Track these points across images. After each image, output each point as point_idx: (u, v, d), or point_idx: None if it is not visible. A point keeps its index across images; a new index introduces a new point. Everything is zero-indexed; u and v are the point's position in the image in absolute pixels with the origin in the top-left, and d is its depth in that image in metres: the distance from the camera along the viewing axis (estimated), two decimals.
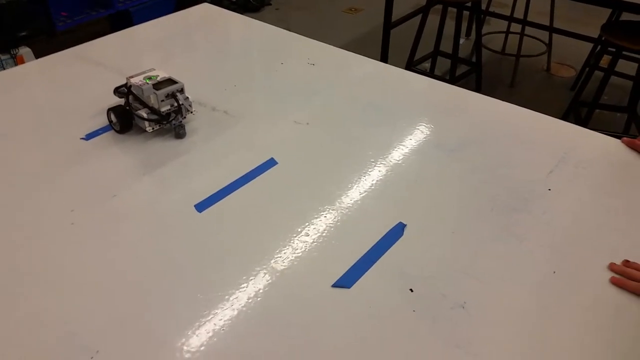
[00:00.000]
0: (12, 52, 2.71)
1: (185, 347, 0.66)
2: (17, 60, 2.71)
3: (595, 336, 0.69)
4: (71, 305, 0.72)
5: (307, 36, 1.50)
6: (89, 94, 1.19)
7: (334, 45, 1.44)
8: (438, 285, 0.75)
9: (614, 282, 0.75)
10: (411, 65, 2.77)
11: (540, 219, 0.86)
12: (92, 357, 0.64)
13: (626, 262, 0.78)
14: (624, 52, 2.23)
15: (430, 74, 2.84)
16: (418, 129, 1.10)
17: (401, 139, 1.06)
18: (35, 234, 0.83)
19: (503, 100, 1.19)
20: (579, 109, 2.52)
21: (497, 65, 3.32)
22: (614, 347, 0.67)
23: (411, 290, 0.74)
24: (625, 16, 2.47)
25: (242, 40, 1.55)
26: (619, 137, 1.06)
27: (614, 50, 2.24)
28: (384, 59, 2.85)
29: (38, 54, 2.70)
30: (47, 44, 2.74)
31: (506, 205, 0.89)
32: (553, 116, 1.13)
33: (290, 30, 1.54)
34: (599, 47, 2.63)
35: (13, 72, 1.39)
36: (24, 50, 2.75)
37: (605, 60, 2.47)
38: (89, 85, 1.24)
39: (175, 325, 0.69)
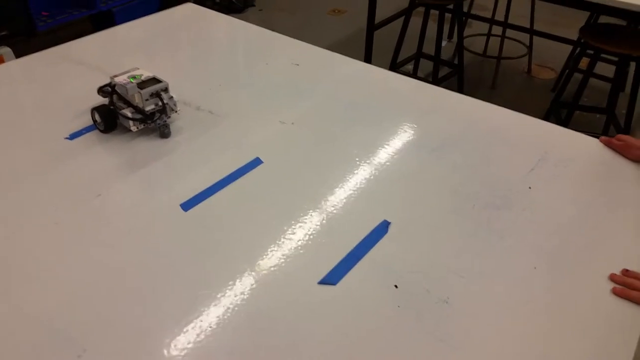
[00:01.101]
0: None
1: (172, 345, 0.66)
2: None
3: (575, 327, 0.70)
4: (56, 303, 0.71)
5: (290, 37, 1.50)
6: (72, 93, 1.19)
7: (315, 46, 1.45)
8: (422, 281, 0.76)
9: (616, 292, 0.75)
10: (394, 67, 2.79)
11: (521, 216, 0.88)
12: (79, 356, 0.64)
13: (625, 272, 0.78)
14: (602, 55, 2.28)
15: (413, 75, 2.86)
16: (401, 128, 1.11)
17: (385, 138, 1.07)
18: (19, 233, 0.82)
19: (484, 101, 1.21)
20: (560, 110, 2.56)
21: (478, 67, 3.36)
22: (593, 337, 0.69)
23: (396, 286, 0.75)
24: (603, 19, 2.52)
25: (227, 40, 1.56)
26: (597, 137, 1.09)
27: (592, 52, 2.29)
28: (367, 60, 2.87)
29: (18, 54, 2.66)
30: (27, 44, 2.70)
31: (487, 202, 0.91)
32: (534, 117, 1.16)
33: (274, 31, 1.55)
34: (578, 49, 2.68)
35: None
36: (4, 50, 2.71)
37: (584, 63, 2.52)
38: (71, 85, 1.23)
39: (163, 323, 0.69)
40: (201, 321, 0.69)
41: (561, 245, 0.83)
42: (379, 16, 2.82)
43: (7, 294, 0.72)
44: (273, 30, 1.55)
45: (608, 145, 1.05)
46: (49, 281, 0.74)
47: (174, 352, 0.65)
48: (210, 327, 0.69)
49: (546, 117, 2.54)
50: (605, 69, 2.69)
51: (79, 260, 0.78)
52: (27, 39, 2.82)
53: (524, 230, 0.85)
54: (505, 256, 0.81)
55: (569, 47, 2.96)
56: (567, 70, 2.77)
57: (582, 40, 2.38)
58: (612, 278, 0.77)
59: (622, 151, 1.03)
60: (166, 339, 0.67)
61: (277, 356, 0.65)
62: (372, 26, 2.82)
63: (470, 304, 0.73)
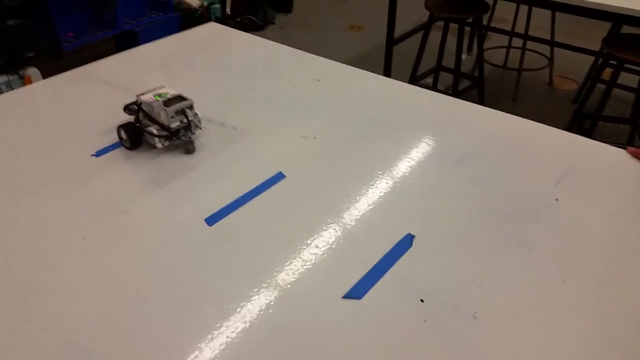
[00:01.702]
0: (19, 73, 2.74)
1: (196, 358, 0.66)
2: (25, 81, 2.75)
3: (608, 345, 0.69)
4: (83, 320, 0.72)
5: (311, 54, 1.52)
6: (98, 112, 1.21)
7: (336, 61, 1.46)
8: (448, 296, 0.75)
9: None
10: (414, 80, 2.80)
11: (548, 229, 0.87)
12: None
13: None
14: (626, 65, 2.25)
15: (433, 88, 2.86)
16: (423, 141, 1.11)
17: (407, 151, 1.07)
18: (47, 249, 0.84)
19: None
20: (582, 121, 2.53)
21: (499, 80, 3.34)
22: (623, 352, 0.67)
23: (422, 300, 0.74)
24: (626, 29, 2.49)
25: (249, 57, 1.58)
26: (623, 148, 1.07)
27: (615, 63, 2.26)
28: (387, 74, 2.88)
29: (45, 75, 2.73)
30: (54, 64, 2.78)
31: (513, 215, 0.89)
32: (553, 127, 1.14)
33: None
34: (601, 60, 2.65)
35: (21, 92, 1.41)
36: (32, 71, 2.79)
37: (607, 73, 2.49)
38: (97, 103, 1.26)
39: (187, 338, 0.69)
40: (224, 336, 0.69)
41: (590, 258, 0.81)
42: (398, 31, 2.84)
43: (35, 310, 0.74)
44: (293, 46, 1.57)
45: (635, 155, 1.03)
46: (76, 297, 0.75)
47: None
48: (235, 341, 0.69)
49: (569, 128, 2.51)
50: (629, 79, 2.66)
51: (105, 275, 0.79)
52: (53, 60, 2.90)
53: (552, 244, 0.84)
54: (533, 270, 0.79)
55: (590, 58, 2.93)
56: (589, 81, 2.74)
57: (604, 51, 2.35)
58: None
59: None
60: (189, 354, 0.67)
61: None
62: (392, 41, 2.83)
63: (499, 319, 0.72)
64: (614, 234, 0.86)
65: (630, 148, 1.05)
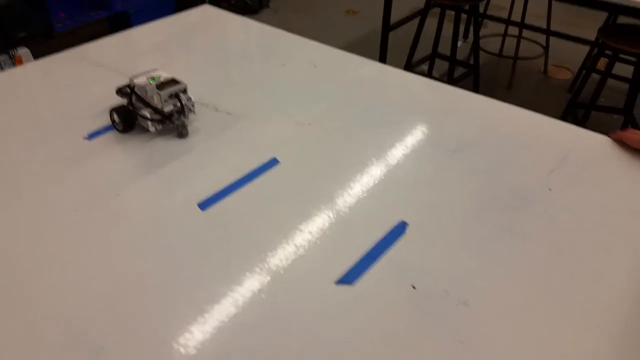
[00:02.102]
0: (10, 53, 2.71)
1: (189, 343, 0.66)
2: (16, 61, 2.72)
3: (595, 330, 0.69)
4: (74, 303, 0.72)
5: (305, 37, 1.51)
6: (90, 94, 1.20)
7: (332, 47, 1.45)
8: (441, 283, 0.75)
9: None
10: (409, 67, 2.78)
11: (542, 218, 0.87)
12: (97, 354, 0.65)
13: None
14: (621, 55, 2.25)
15: (429, 75, 2.85)
16: (418, 129, 1.10)
17: (401, 139, 1.07)
18: (38, 233, 0.83)
19: (501, 102, 1.20)
20: (576, 110, 2.54)
21: (494, 68, 3.34)
22: (616, 344, 0.68)
23: (414, 287, 0.75)
24: (622, 20, 2.49)
25: (243, 41, 1.56)
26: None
27: (610, 53, 2.26)
28: (382, 60, 2.87)
29: (36, 55, 2.70)
30: (45, 45, 2.74)
31: (507, 204, 0.90)
32: (548, 117, 1.15)
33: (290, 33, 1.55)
34: (596, 49, 2.65)
35: (12, 73, 1.40)
36: (23, 51, 2.75)
37: (602, 63, 2.49)
38: (89, 86, 1.24)
39: (179, 321, 0.69)
40: (216, 320, 0.69)
41: (583, 247, 0.82)
42: (394, 17, 2.82)
43: (26, 294, 0.73)
44: (288, 30, 1.56)
45: (619, 139, 1.04)
46: (67, 281, 0.75)
47: (191, 351, 0.66)
48: (227, 326, 0.69)
49: (563, 118, 2.52)
50: (623, 69, 2.66)
51: (97, 259, 0.79)
52: (44, 40, 2.86)
53: (545, 233, 0.84)
54: (525, 259, 0.80)
55: (586, 48, 2.93)
56: (584, 71, 2.75)
57: (600, 41, 2.35)
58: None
59: (625, 139, 1.03)
60: (182, 337, 0.67)
61: (294, 356, 0.65)
62: (388, 27, 2.81)
63: (490, 306, 0.72)
64: (606, 224, 0.87)
65: (613, 133, 1.05)
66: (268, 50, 1.48)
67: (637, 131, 1.04)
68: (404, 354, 0.66)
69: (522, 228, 0.85)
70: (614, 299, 0.74)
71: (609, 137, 1.06)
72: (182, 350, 0.66)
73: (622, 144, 1.04)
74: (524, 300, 0.74)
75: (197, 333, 0.68)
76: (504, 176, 0.96)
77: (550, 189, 0.93)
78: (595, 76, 2.46)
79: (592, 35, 2.71)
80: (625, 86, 2.60)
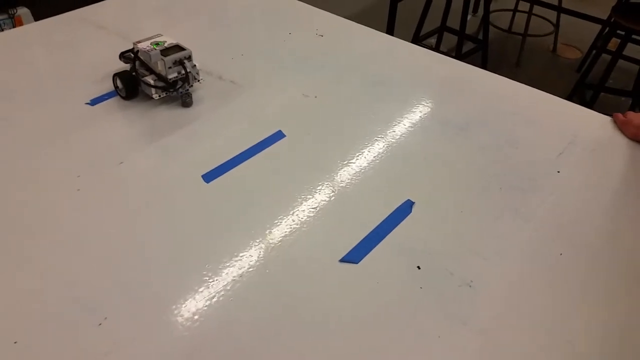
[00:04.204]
0: (9, 12, 2.65)
1: (191, 313, 0.66)
2: (16, 22, 2.66)
3: (599, 313, 0.69)
4: (77, 271, 0.71)
5: (312, 5, 1.47)
6: (93, 58, 1.17)
7: (339, 16, 1.42)
8: (445, 263, 0.75)
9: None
10: (417, 40, 2.74)
11: (548, 201, 0.86)
12: (100, 324, 0.64)
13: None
14: (633, 36, 2.21)
15: (436, 49, 2.80)
16: (427, 105, 1.08)
17: (409, 115, 1.05)
18: (40, 199, 0.82)
19: (509, 79, 1.18)
20: (584, 91, 2.51)
21: (503, 44, 3.28)
22: (619, 327, 0.68)
23: (418, 267, 0.74)
24: None
25: (249, 8, 1.52)
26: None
27: (623, 33, 2.22)
28: (389, 32, 2.81)
29: (36, 16, 2.64)
30: (45, 5, 2.68)
31: (514, 185, 0.89)
32: (557, 97, 1.13)
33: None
34: (607, 29, 2.60)
35: (13, 34, 1.36)
36: (23, 11, 2.69)
37: (613, 43, 2.45)
38: (92, 49, 1.22)
39: (182, 291, 0.69)
40: (220, 292, 0.69)
41: (589, 231, 0.81)
42: None
43: (27, 261, 0.73)
44: None
45: (619, 122, 1.03)
46: (70, 248, 0.74)
47: (194, 324, 0.65)
48: (230, 298, 0.68)
49: (570, 98, 2.49)
50: (634, 50, 2.62)
51: (100, 227, 0.78)
52: (45, 0, 2.79)
53: (551, 215, 0.83)
54: (531, 241, 0.79)
55: (597, 27, 2.88)
56: (594, 51, 2.70)
57: (612, 20, 2.30)
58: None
59: (622, 127, 1.02)
60: (185, 307, 0.67)
61: (300, 331, 0.65)
62: None
63: (495, 288, 0.72)
64: (614, 208, 0.86)
65: (617, 117, 1.04)
66: (274, 18, 1.44)
67: (629, 113, 1.03)
68: (407, 334, 0.66)
69: (529, 210, 0.84)
70: (619, 283, 0.73)
71: (613, 119, 1.05)
72: (184, 319, 0.65)
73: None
74: (528, 282, 0.73)
75: (200, 303, 0.67)
76: (513, 156, 0.95)
77: (558, 171, 0.92)
78: (605, 56, 2.42)
79: (603, 14, 2.66)
80: (635, 68, 2.56)
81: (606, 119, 1.07)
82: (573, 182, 0.90)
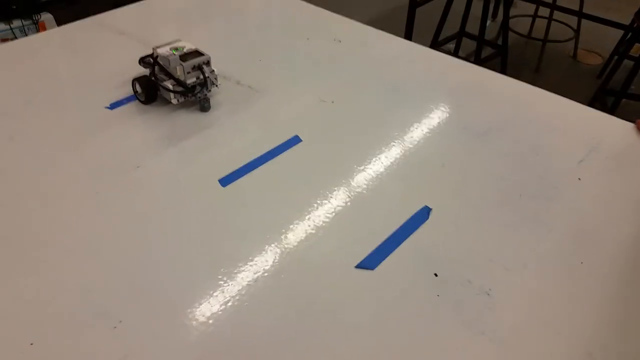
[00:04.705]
0: (34, 18, 2.70)
1: (206, 318, 0.66)
2: (39, 27, 2.71)
3: (622, 325, 0.67)
4: (93, 274, 0.72)
5: (329, 10, 1.47)
6: (113, 63, 1.19)
7: (356, 21, 1.42)
8: (463, 271, 0.74)
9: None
10: (435, 45, 2.72)
11: (569, 209, 0.84)
12: (115, 327, 0.65)
13: None
14: None
15: (455, 55, 2.79)
16: (445, 111, 1.07)
17: (427, 120, 1.04)
18: (59, 202, 0.83)
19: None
20: (605, 97, 2.47)
21: (522, 49, 3.25)
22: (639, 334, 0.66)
23: (435, 274, 0.73)
24: None
25: (266, 13, 1.53)
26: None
27: None
28: (408, 37, 2.80)
29: (59, 21, 2.69)
30: (68, 10, 2.73)
31: (534, 193, 0.87)
32: (578, 103, 1.11)
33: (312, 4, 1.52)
34: (630, 34, 2.56)
35: (36, 39, 1.38)
36: (46, 17, 2.75)
37: (635, 49, 2.41)
38: (112, 54, 1.23)
39: (197, 297, 0.69)
40: (236, 298, 0.69)
41: (610, 240, 0.79)
42: None
43: (43, 264, 0.73)
44: (310, 3, 1.52)
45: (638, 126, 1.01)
46: (86, 251, 0.75)
47: (209, 328, 0.65)
48: (245, 304, 0.68)
49: (591, 104, 2.45)
50: None
51: (115, 231, 0.78)
52: (67, 5, 2.84)
53: (572, 224, 0.82)
54: (550, 250, 0.78)
55: (618, 33, 2.83)
56: (615, 57, 2.66)
57: (635, 25, 2.26)
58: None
59: None
60: (199, 312, 0.67)
61: (314, 336, 0.65)
62: (415, 2, 2.74)
63: (514, 297, 0.71)
64: (636, 216, 0.84)
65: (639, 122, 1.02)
66: (291, 23, 1.44)
67: None
68: (423, 343, 0.65)
69: (549, 218, 0.82)
70: None
71: (637, 124, 1.03)
72: (198, 324, 0.65)
73: None
74: (548, 292, 0.72)
75: (214, 308, 0.67)
76: (533, 164, 0.93)
77: (579, 179, 0.90)
78: (627, 63, 2.38)
79: (625, 20, 2.62)
80: None
81: (629, 125, 1.05)
82: (594, 190, 0.88)
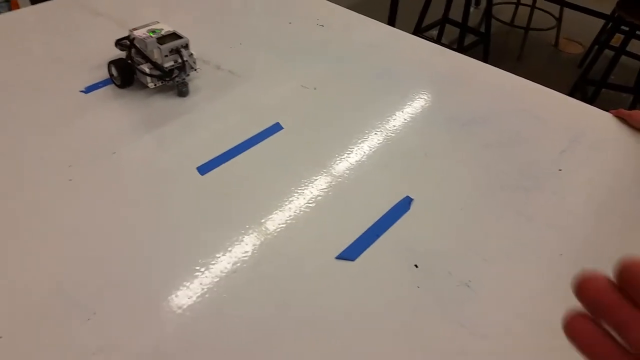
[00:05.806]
0: None
1: (184, 311, 0.64)
2: (12, 5, 2.62)
3: None
4: (67, 263, 0.70)
5: None
6: (88, 44, 1.15)
7: (339, 5, 1.39)
8: (444, 263, 0.73)
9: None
10: (419, 31, 2.71)
11: (550, 200, 0.85)
12: (89, 319, 0.63)
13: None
14: (637, 32, 2.18)
15: (437, 41, 2.78)
16: (428, 100, 1.06)
17: (410, 109, 1.03)
18: (31, 189, 0.80)
19: (511, 73, 1.16)
20: (586, 87, 2.49)
21: (505, 37, 3.25)
22: None
23: (416, 266, 0.72)
24: None
25: None
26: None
27: (627, 28, 2.19)
28: (391, 23, 2.78)
29: (33, 0, 2.60)
30: None
31: (516, 183, 0.87)
32: (561, 93, 1.11)
33: None
34: (611, 24, 2.57)
35: (8, 17, 1.33)
36: None
37: (616, 39, 2.42)
38: (88, 35, 1.19)
39: (174, 288, 0.67)
40: (213, 288, 0.67)
41: (590, 232, 0.80)
42: None
43: (14, 252, 0.71)
44: None
45: (618, 116, 1.03)
46: (58, 240, 0.73)
47: (186, 320, 0.64)
48: (222, 294, 0.67)
49: (571, 94, 2.47)
50: (637, 47, 2.59)
51: (90, 219, 0.76)
52: None
53: (553, 215, 0.82)
54: (531, 241, 0.78)
55: (600, 22, 2.85)
56: (596, 46, 2.68)
57: (616, 15, 2.28)
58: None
59: (628, 119, 1.02)
60: (177, 305, 0.65)
61: (293, 328, 0.64)
62: None
63: (493, 289, 0.71)
64: (617, 209, 0.84)
65: (615, 111, 1.04)
66: (273, 7, 1.41)
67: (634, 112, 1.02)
68: (402, 334, 0.64)
69: (529, 209, 0.82)
70: None
71: (611, 113, 1.04)
72: (175, 315, 0.64)
73: (624, 121, 1.02)
74: (527, 284, 0.72)
75: (191, 299, 0.66)
76: (514, 154, 0.93)
77: (560, 170, 0.90)
78: (607, 52, 2.39)
79: (606, 10, 2.63)
80: (637, 64, 2.54)
81: (609, 116, 1.05)
82: (576, 180, 0.88)
